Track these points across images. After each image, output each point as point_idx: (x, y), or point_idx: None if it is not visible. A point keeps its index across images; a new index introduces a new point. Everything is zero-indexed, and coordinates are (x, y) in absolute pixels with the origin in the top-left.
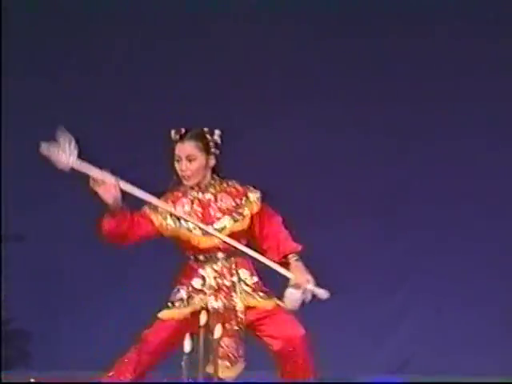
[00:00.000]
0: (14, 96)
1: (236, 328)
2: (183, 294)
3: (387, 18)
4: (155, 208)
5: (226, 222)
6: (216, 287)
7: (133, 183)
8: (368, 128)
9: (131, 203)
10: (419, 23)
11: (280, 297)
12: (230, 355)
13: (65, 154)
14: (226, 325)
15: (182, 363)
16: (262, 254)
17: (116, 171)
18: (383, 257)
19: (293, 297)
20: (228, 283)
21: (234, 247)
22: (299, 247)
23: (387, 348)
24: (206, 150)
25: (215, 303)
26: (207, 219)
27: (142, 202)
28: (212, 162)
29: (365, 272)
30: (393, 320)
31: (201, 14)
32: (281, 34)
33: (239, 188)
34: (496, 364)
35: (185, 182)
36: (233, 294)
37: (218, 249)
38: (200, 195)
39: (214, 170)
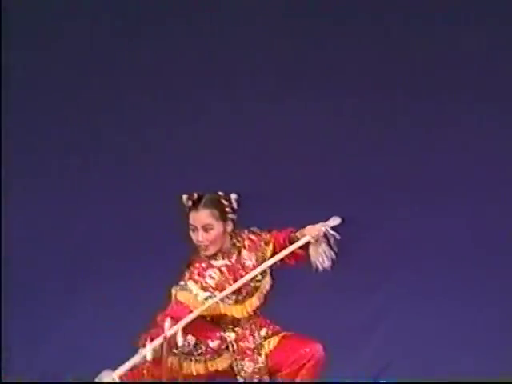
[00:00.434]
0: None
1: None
2: (197, 349)
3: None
4: (182, 288)
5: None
6: (239, 350)
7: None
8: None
9: None
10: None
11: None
12: None
13: None
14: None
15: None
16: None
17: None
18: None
19: (319, 250)
20: (251, 345)
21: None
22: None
23: (367, 350)
24: (223, 217)
25: (245, 364)
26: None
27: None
28: (230, 227)
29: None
30: (372, 321)
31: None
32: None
33: (254, 238)
34: (484, 365)
35: (203, 253)
36: (257, 356)
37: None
38: (226, 261)
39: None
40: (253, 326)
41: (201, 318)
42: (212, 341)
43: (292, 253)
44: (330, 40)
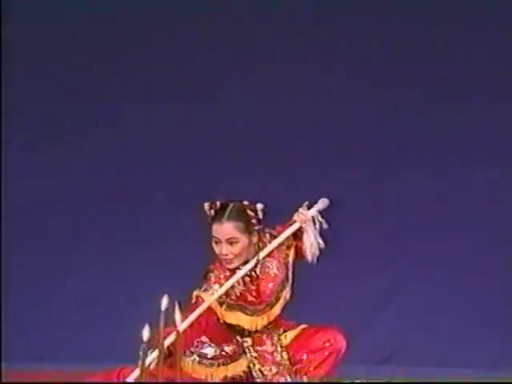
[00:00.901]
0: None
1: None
2: (210, 352)
3: None
4: (207, 290)
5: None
6: (258, 355)
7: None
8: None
9: None
10: None
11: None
12: None
13: None
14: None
15: (140, 352)
16: None
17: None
18: (369, 237)
19: (309, 238)
20: (270, 349)
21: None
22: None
23: (372, 337)
24: (248, 230)
25: (266, 369)
26: (261, 294)
27: None
28: (255, 238)
29: (348, 253)
30: (377, 307)
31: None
32: None
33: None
34: (488, 354)
35: (227, 266)
36: (277, 358)
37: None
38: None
39: None
40: (270, 329)
41: (217, 321)
42: (227, 345)
43: (297, 250)
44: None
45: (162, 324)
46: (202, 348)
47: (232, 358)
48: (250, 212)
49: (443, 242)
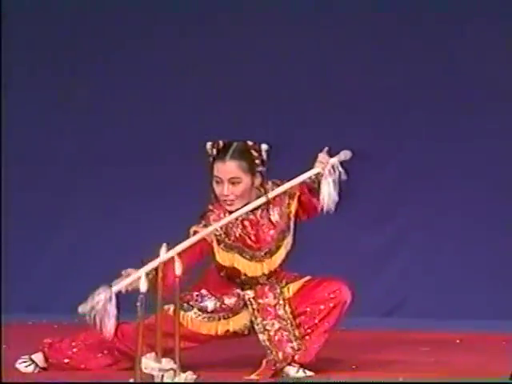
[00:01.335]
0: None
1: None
2: (210, 305)
3: None
4: (205, 225)
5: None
6: (259, 308)
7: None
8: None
9: None
10: None
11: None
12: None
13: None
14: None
15: (138, 303)
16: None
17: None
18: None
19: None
20: (273, 302)
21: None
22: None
23: (376, 289)
24: (252, 170)
25: (268, 323)
26: (261, 240)
27: None
28: (258, 180)
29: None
30: (381, 258)
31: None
32: None
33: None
34: (492, 306)
35: (227, 208)
36: (279, 311)
37: (263, 274)
38: (250, 216)
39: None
40: (273, 281)
41: (217, 273)
42: (228, 298)
43: (306, 206)
44: None
45: (160, 274)
46: (201, 301)
47: (233, 311)
48: (253, 152)
49: (456, 186)
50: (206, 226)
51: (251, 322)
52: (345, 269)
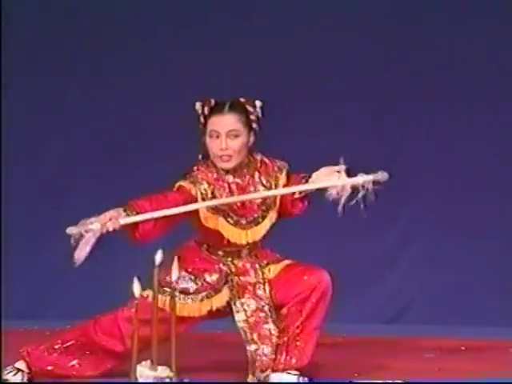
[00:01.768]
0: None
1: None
2: (191, 286)
3: None
4: (190, 180)
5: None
6: (239, 286)
7: None
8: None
9: None
10: None
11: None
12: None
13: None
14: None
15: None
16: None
17: None
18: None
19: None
20: (253, 280)
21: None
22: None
23: (379, 295)
24: (249, 125)
25: (245, 302)
26: (246, 207)
27: None
28: (252, 139)
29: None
30: (384, 263)
31: None
32: None
33: (268, 163)
34: (498, 312)
35: (222, 165)
36: (258, 291)
37: (246, 244)
38: (237, 180)
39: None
40: (254, 259)
41: (198, 249)
42: (210, 274)
43: (295, 202)
44: None
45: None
46: (182, 283)
47: (215, 289)
48: (249, 107)
49: (469, 180)
50: (192, 182)
51: (229, 299)
52: (347, 274)
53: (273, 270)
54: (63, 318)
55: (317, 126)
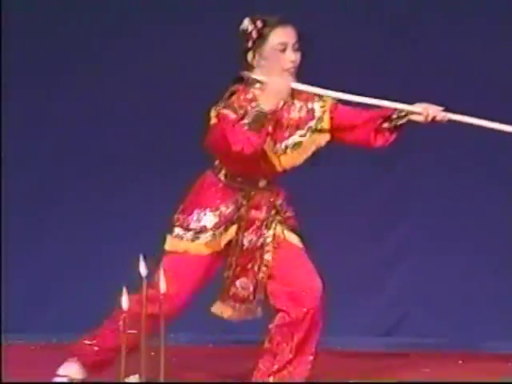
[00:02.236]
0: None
1: (257, 269)
2: (209, 221)
3: None
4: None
5: (299, 135)
6: (247, 219)
7: None
8: None
9: None
10: None
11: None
12: (241, 295)
13: None
14: (248, 264)
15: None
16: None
17: None
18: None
19: None
20: (262, 216)
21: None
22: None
23: (375, 306)
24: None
25: (247, 237)
26: (279, 136)
27: None
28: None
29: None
30: (380, 275)
31: None
32: None
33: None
34: (498, 324)
35: (288, 80)
36: (264, 230)
37: (264, 175)
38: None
39: None
40: (268, 194)
41: (215, 177)
42: (226, 206)
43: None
44: None
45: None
46: (200, 221)
47: (232, 221)
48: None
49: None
50: (231, 108)
51: (237, 230)
52: (342, 287)
53: (284, 231)
54: (48, 331)
55: None
